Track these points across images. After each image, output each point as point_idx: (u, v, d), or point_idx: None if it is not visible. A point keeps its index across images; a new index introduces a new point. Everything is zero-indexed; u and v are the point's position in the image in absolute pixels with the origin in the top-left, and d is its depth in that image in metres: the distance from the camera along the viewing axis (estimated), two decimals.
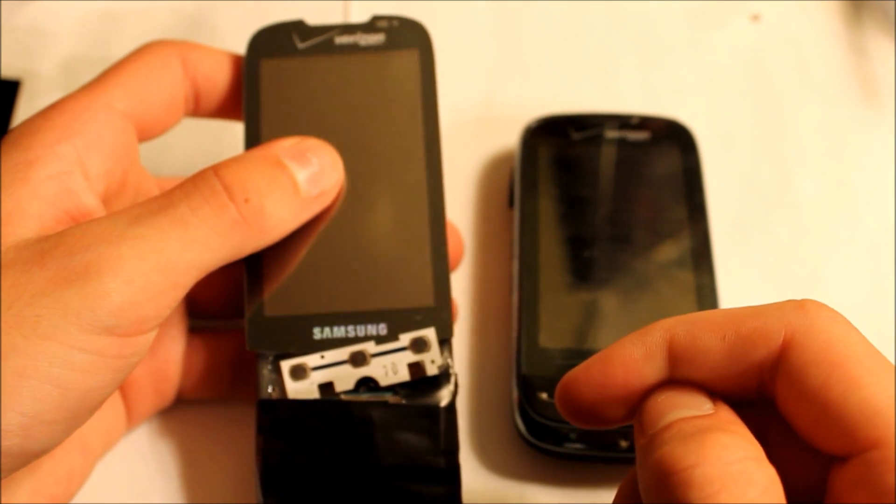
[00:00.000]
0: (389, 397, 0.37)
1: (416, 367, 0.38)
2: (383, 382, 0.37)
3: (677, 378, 0.28)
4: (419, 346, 0.38)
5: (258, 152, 0.37)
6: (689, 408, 0.27)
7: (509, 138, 0.49)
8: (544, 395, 0.41)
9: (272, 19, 0.43)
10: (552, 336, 0.42)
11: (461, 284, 0.46)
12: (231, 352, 0.42)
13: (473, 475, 0.42)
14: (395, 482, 0.37)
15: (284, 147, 0.37)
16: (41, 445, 0.32)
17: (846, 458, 0.26)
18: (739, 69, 0.54)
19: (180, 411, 0.43)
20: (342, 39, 0.42)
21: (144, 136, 0.39)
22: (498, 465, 0.42)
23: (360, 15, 0.53)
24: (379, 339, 0.38)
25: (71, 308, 0.31)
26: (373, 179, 0.39)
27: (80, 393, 0.32)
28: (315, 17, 0.52)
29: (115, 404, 0.40)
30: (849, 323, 0.28)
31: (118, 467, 0.41)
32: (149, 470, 0.42)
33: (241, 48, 0.43)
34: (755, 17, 0.55)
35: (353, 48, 0.41)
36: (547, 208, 0.46)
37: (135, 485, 0.41)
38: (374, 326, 0.38)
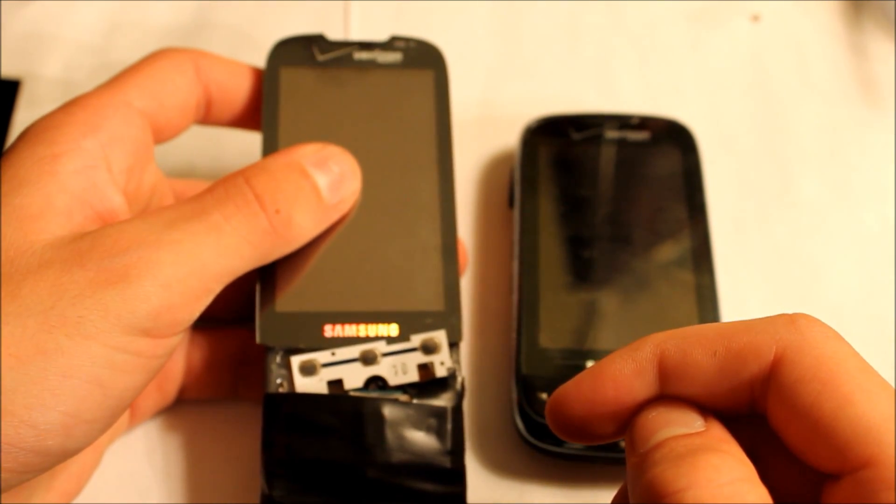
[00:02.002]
0: (398, 396, 0.38)
1: (425, 369, 0.38)
2: (392, 382, 0.38)
3: (668, 394, 0.28)
4: (429, 348, 0.38)
5: (282, 159, 0.37)
6: (680, 425, 0.27)
7: (509, 138, 0.49)
8: (544, 396, 0.41)
9: (272, 21, 0.43)
10: (552, 336, 0.43)
11: (461, 284, 0.46)
12: (233, 350, 0.42)
13: (473, 475, 0.42)
14: (401, 479, 0.37)
15: (307, 154, 0.38)
16: (79, 444, 0.32)
17: (839, 476, 0.26)
18: (739, 69, 0.53)
19: (181, 411, 0.43)
20: (360, 55, 0.43)
21: (158, 138, 0.40)
22: (498, 465, 0.42)
23: (360, 15, 0.53)
24: (389, 340, 0.38)
25: (112, 309, 0.32)
26: (386, 188, 0.40)
27: (119, 392, 0.32)
28: (315, 16, 0.52)
29: None
30: (841, 338, 0.27)
31: (118, 467, 0.42)
32: (149, 470, 0.42)
33: (240, 51, 0.43)
34: (755, 18, 0.55)
35: (371, 64, 0.43)
36: (547, 208, 0.46)
37: (135, 484, 0.41)
38: (385, 327, 0.38)
